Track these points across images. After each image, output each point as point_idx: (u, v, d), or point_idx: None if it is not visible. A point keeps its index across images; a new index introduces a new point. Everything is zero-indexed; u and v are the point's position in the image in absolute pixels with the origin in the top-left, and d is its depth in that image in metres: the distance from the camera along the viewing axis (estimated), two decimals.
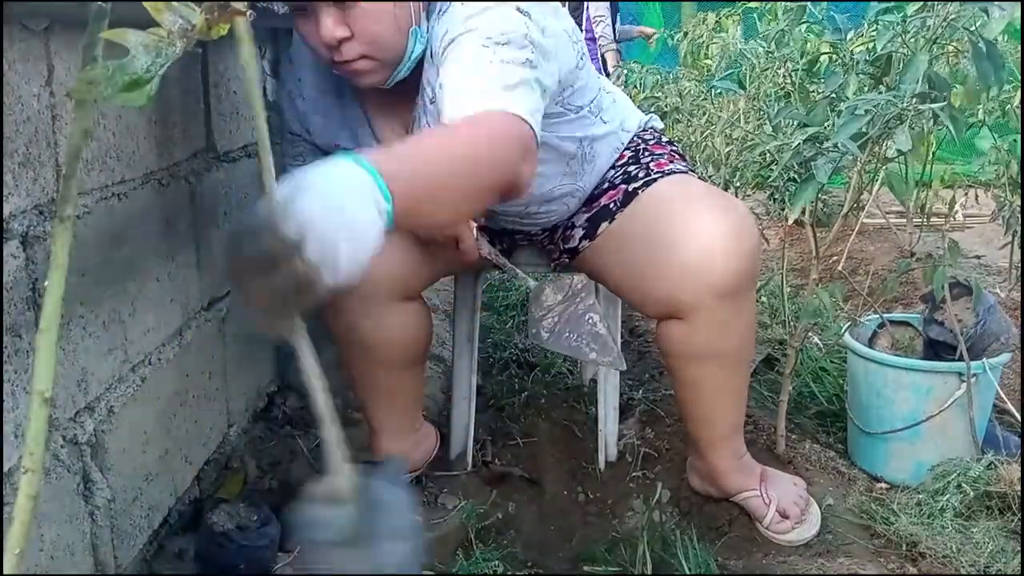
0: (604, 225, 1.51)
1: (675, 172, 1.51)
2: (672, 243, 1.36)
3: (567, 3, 4.89)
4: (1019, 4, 1.32)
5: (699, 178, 1.57)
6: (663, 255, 1.37)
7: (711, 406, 1.51)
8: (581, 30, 3.96)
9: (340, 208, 0.80)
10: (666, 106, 3.24)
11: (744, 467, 1.58)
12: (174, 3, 0.68)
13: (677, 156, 1.58)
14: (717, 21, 3.19)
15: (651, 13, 7.86)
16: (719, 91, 2.80)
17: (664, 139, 1.62)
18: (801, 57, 1.82)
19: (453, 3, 1.26)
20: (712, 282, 1.34)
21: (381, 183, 0.85)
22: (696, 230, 1.34)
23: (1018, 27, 1.33)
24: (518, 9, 1.22)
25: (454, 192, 0.99)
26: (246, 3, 0.72)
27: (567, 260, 1.61)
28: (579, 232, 1.55)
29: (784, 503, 1.54)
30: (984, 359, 1.74)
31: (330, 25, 1.22)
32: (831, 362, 2.25)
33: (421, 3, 1.29)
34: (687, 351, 1.45)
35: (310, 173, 0.83)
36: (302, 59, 1.47)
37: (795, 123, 1.65)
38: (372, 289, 1.39)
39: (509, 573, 1.45)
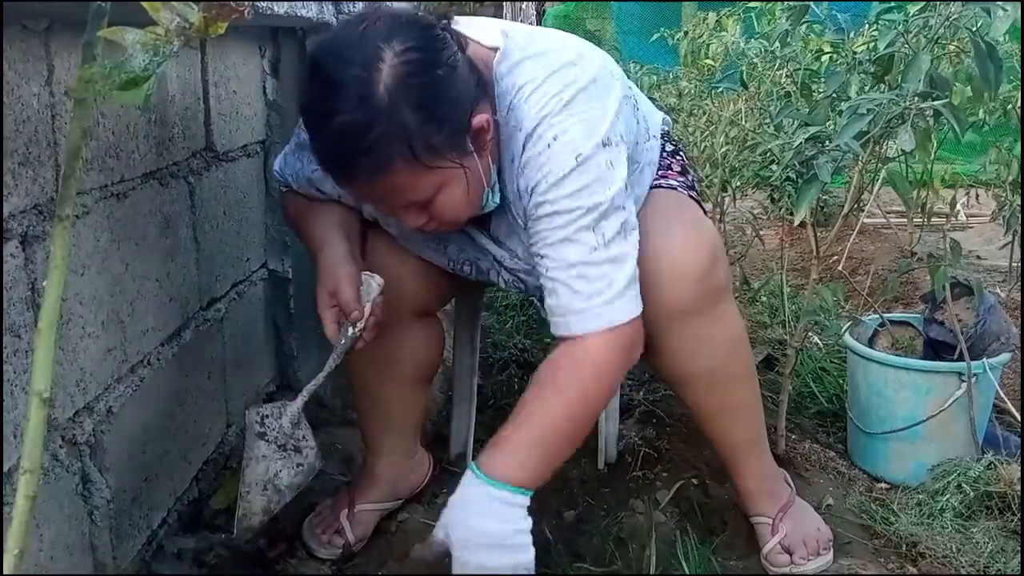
0: None
1: (661, 188, 1.45)
2: None
3: None
4: (1020, 4, 1.32)
5: (694, 191, 1.51)
6: None
7: (714, 425, 1.46)
8: None
9: (501, 548, 1.14)
10: (665, 106, 3.24)
11: (769, 492, 1.52)
12: (172, 2, 0.68)
13: (675, 172, 1.50)
14: (717, 21, 3.18)
15: None
16: (720, 91, 2.80)
17: (670, 147, 1.57)
18: (807, 55, 1.82)
19: (534, 135, 1.19)
20: (660, 306, 1.28)
21: (525, 492, 1.17)
22: (640, 254, 1.25)
23: (1019, 27, 1.33)
24: (603, 143, 1.18)
25: (578, 442, 1.24)
26: (246, 2, 0.71)
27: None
28: None
29: (793, 539, 1.48)
30: (984, 359, 1.74)
31: (411, 219, 1.20)
32: (831, 362, 2.25)
33: (492, 157, 1.22)
34: (666, 374, 1.43)
35: (460, 516, 1.15)
36: None
37: (796, 122, 1.65)
38: (390, 304, 1.33)
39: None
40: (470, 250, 1.40)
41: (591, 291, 1.18)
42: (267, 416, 1.30)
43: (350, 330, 1.27)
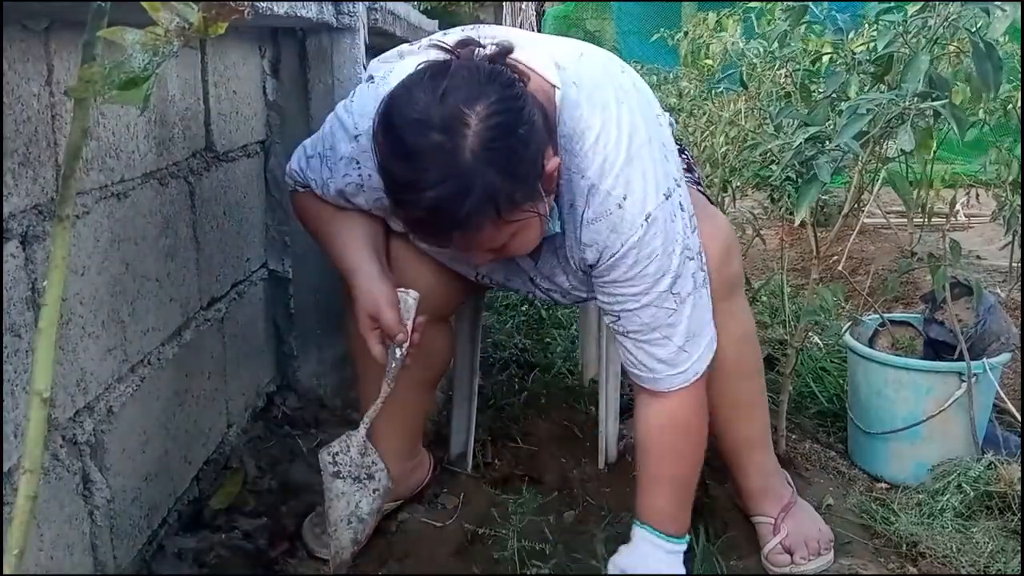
0: None
1: None
2: None
3: None
4: (1019, 4, 1.32)
5: (701, 187, 1.52)
6: None
7: (721, 420, 1.46)
8: None
9: None
10: (665, 106, 3.24)
11: (770, 491, 1.53)
12: (172, 2, 0.68)
13: (684, 168, 1.53)
14: (717, 21, 3.19)
15: None
16: (720, 91, 2.81)
17: (675, 146, 1.58)
18: (805, 55, 1.82)
19: (600, 192, 1.21)
20: None
21: (678, 543, 1.38)
22: None
23: (1019, 27, 1.32)
24: (667, 195, 1.23)
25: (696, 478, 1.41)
26: (246, 2, 0.72)
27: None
28: None
29: (794, 539, 1.48)
30: (984, 359, 1.74)
31: (482, 259, 1.23)
32: (831, 362, 2.25)
33: (556, 187, 1.22)
34: None
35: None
36: (370, 156, 1.24)
37: (796, 122, 1.65)
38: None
39: (509, 573, 1.44)
40: (506, 271, 1.42)
41: (672, 353, 1.28)
42: (337, 453, 1.36)
43: (398, 352, 1.28)
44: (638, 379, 1.33)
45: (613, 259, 1.23)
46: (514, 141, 1.08)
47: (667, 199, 1.23)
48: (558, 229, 1.27)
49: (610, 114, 1.22)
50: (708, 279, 1.31)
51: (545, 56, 1.24)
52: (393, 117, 1.09)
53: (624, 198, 1.21)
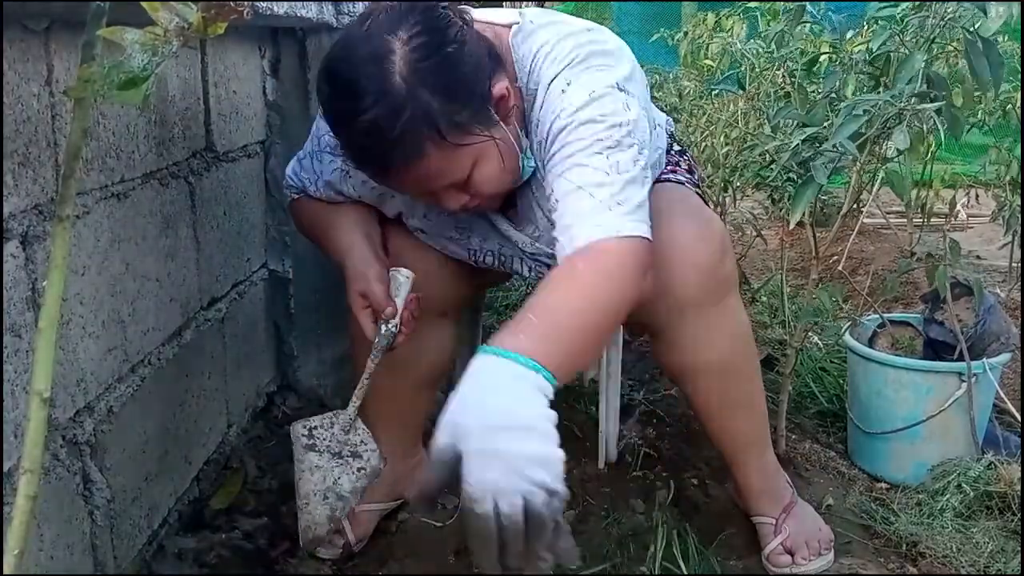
0: None
1: (670, 182, 1.46)
2: None
3: None
4: (1018, 3, 1.32)
5: (698, 189, 1.52)
6: None
7: (719, 421, 1.46)
8: None
9: (503, 428, 0.87)
10: (665, 106, 3.24)
11: (771, 491, 1.52)
12: (171, 2, 0.68)
13: (684, 169, 1.52)
14: (717, 21, 3.19)
15: None
16: (719, 91, 2.80)
17: (676, 147, 1.58)
18: (801, 56, 1.82)
19: (549, 88, 1.19)
20: (669, 297, 1.30)
21: (546, 373, 0.93)
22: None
23: (1017, 27, 1.33)
24: (618, 87, 1.17)
25: (596, 343, 1.12)
26: (246, 2, 0.72)
27: None
28: None
29: (795, 540, 1.48)
30: (984, 359, 1.74)
31: (452, 200, 1.21)
32: (831, 362, 2.25)
33: (520, 120, 1.22)
34: (671, 367, 1.43)
35: (464, 393, 0.90)
36: None
37: (794, 123, 1.65)
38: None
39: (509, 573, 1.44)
40: (493, 238, 1.41)
41: (596, 205, 1.09)
42: (315, 428, 1.33)
43: (383, 328, 1.27)
44: (560, 249, 1.11)
45: (554, 133, 1.16)
46: (441, 60, 1.10)
47: (620, 91, 1.16)
48: (533, 165, 1.25)
49: (570, 32, 1.22)
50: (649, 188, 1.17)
51: (507, 9, 1.27)
52: (328, 59, 1.15)
53: (569, 84, 1.18)
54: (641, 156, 1.16)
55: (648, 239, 1.12)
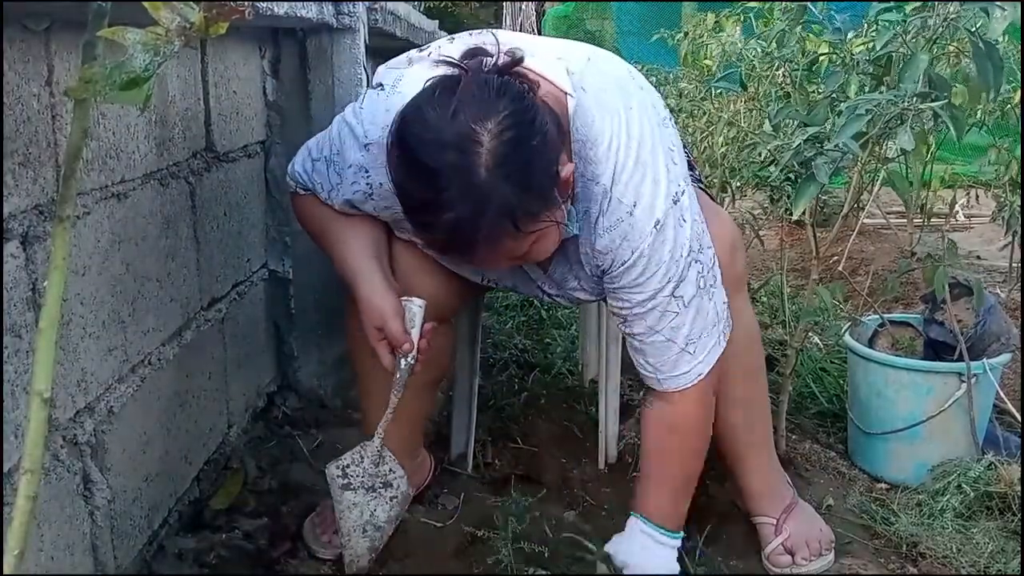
0: None
1: None
2: None
3: None
4: (1019, 4, 1.32)
5: (702, 187, 1.53)
6: None
7: (723, 419, 1.46)
8: None
9: None
10: (665, 106, 3.23)
11: (772, 492, 1.53)
12: (172, 2, 0.68)
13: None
14: (716, 21, 3.19)
15: None
16: (719, 91, 2.81)
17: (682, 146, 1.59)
18: (802, 56, 1.82)
19: (611, 200, 1.23)
20: None
21: (674, 538, 1.39)
22: None
23: (1019, 27, 1.33)
24: (674, 199, 1.24)
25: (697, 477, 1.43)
26: (246, 2, 0.72)
27: None
28: None
29: (796, 540, 1.49)
30: (984, 359, 1.74)
31: (502, 267, 1.26)
32: (831, 362, 2.25)
33: (573, 191, 1.23)
34: None
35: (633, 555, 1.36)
36: (379, 165, 1.24)
37: (795, 123, 1.65)
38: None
39: (509, 574, 1.44)
40: (514, 279, 1.42)
41: (679, 352, 1.30)
42: (348, 465, 1.36)
43: (403, 362, 1.28)
44: (645, 378, 1.37)
45: (624, 267, 1.25)
46: (528, 154, 1.08)
47: (675, 204, 1.25)
48: (576, 231, 1.27)
49: (620, 120, 1.23)
50: (719, 278, 1.32)
51: (555, 63, 1.24)
52: (406, 138, 1.09)
53: (635, 205, 1.22)
54: (699, 264, 1.29)
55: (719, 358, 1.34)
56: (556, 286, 1.40)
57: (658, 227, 1.23)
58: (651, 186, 1.23)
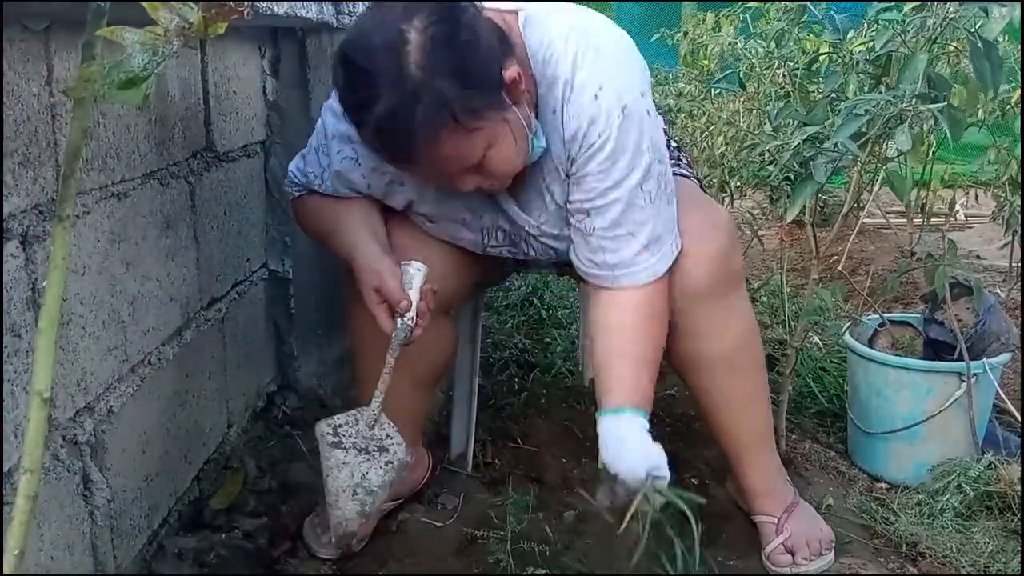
0: None
1: (675, 175, 1.48)
2: None
3: None
4: (1019, 4, 1.32)
5: (699, 185, 1.54)
6: None
7: (724, 414, 1.47)
8: None
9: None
10: (664, 107, 3.24)
11: (774, 491, 1.53)
12: (172, 2, 0.68)
13: (683, 164, 1.55)
14: (716, 21, 3.19)
15: None
16: (718, 91, 2.81)
17: (673, 143, 1.60)
18: (802, 56, 1.82)
19: (575, 86, 1.25)
20: (680, 287, 1.33)
21: (644, 414, 1.29)
22: None
23: (1018, 27, 1.32)
24: (641, 94, 1.27)
25: (657, 367, 1.36)
26: (246, 2, 0.72)
27: (566, 264, 1.61)
28: None
29: (796, 540, 1.49)
30: (984, 359, 1.74)
31: (467, 182, 1.25)
32: (831, 362, 2.25)
33: (529, 106, 1.26)
34: (678, 359, 1.43)
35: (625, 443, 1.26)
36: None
37: (795, 123, 1.65)
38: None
39: (509, 574, 1.44)
40: (503, 220, 1.42)
41: (638, 249, 1.29)
42: (340, 425, 1.32)
43: (399, 322, 1.28)
44: (595, 278, 1.35)
45: (591, 150, 1.26)
46: (459, 48, 1.13)
47: (642, 96, 1.27)
48: (543, 144, 1.29)
49: (577, 20, 1.28)
50: (675, 194, 1.35)
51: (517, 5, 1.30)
52: (343, 49, 1.17)
53: (600, 89, 1.25)
54: (665, 165, 1.30)
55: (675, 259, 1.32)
56: (537, 228, 1.40)
57: (625, 112, 1.24)
58: (614, 71, 1.26)
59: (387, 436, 1.32)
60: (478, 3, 1.21)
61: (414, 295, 1.28)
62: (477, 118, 1.15)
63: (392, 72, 1.10)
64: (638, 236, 1.29)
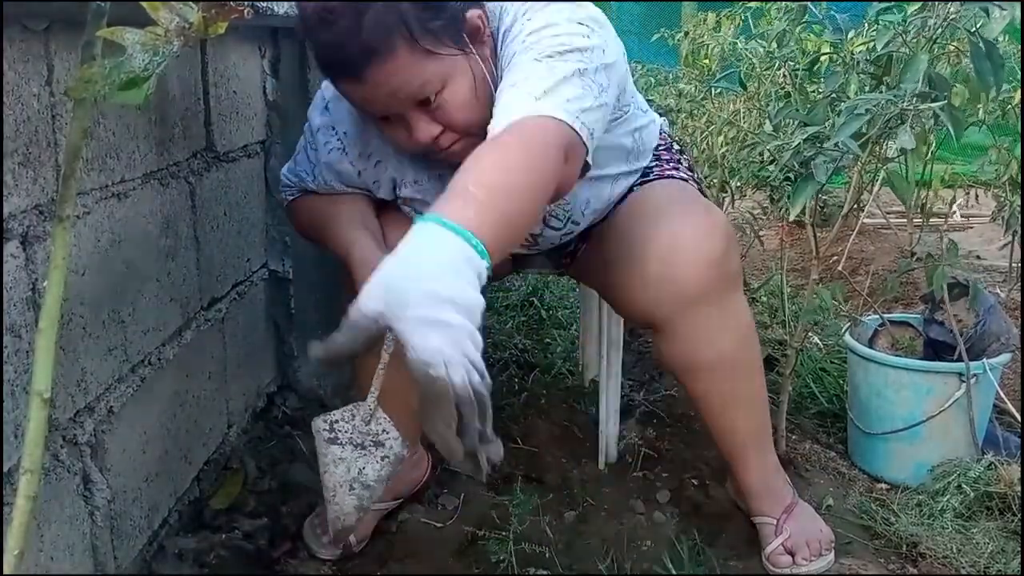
0: (596, 226, 1.51)
1: (671, 177, 1.49)
2: (636, 251, 1.34)
3: None
4: (1019, 4, 1.32)
5: (698, 186, 1.53)
6: (628, 264, 1.35)
7: (723, 417, 1.46)
8: None
9: (448, 300, 0.90)
10: (664, 107, 3.24)
11: (773, 492, 1.52)
12: (172, 2, 0.68)
13: (684, 167, 1.55)
14: (717, 21, 3.19)
15: None
16: (719, 91, 2.81)
17: (675, 146, 1.60)
18: (802, 56, 1.82)
19: (515, 24, 1.23)
20: (676, 290, 1.31)
21: (484, 253, 0.92)
22: (656, 238, 1.31)
23: (1018, 27, 1.32)
24: (580, 22, 1.21)
25: (525, 216, 1.03)
26: (246, 2, 0.72)
27: (567, 262, 1.61)
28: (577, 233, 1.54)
29: (796, 540, 1.48)
30: (984, 359, 1.74)
31: (423, 128, 1.22)
32: (831, 362, 2.25)
33: (491, 60, 1.25)
34: (675, 363, 1.42)
35: (405, 257, 0.90)
36: (341, 113, 1.37)
37: (795, 122, 1.65)
38: None
39: (509, 574, 1.44)
40: None
41: (524, 96, 1.11)
42: (336, 421, 1.30)
43: None
44: (490, 134, 1.12)
45: (512, 32, 1.22)
46: None
47: (579, 25, 1.20)
48: None
49: None
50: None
51: None
52: None
53: (532, 10, 1.23)
54: (585, 68, 1.15)
55: (575, 130, 1.10)
56: None
57: (550, 23, 1.19)
58: (558, 8, 1.22)
59: (383, 431, 1.31)
60: None
61: None
62: (434, 41, 1.15)
63: None
64: (525, 88, 1.12)
